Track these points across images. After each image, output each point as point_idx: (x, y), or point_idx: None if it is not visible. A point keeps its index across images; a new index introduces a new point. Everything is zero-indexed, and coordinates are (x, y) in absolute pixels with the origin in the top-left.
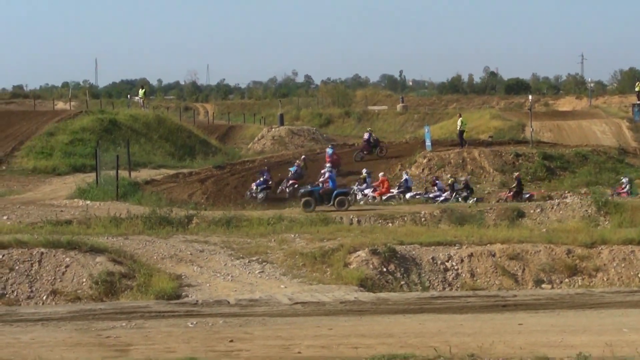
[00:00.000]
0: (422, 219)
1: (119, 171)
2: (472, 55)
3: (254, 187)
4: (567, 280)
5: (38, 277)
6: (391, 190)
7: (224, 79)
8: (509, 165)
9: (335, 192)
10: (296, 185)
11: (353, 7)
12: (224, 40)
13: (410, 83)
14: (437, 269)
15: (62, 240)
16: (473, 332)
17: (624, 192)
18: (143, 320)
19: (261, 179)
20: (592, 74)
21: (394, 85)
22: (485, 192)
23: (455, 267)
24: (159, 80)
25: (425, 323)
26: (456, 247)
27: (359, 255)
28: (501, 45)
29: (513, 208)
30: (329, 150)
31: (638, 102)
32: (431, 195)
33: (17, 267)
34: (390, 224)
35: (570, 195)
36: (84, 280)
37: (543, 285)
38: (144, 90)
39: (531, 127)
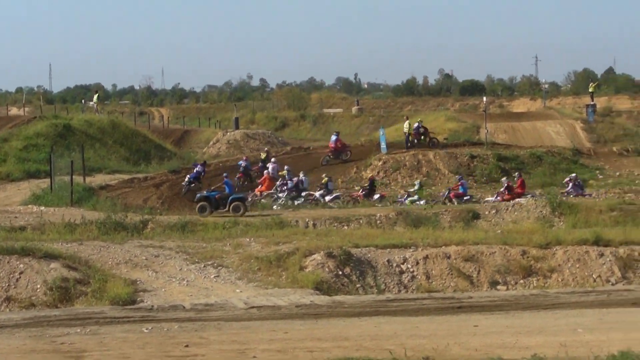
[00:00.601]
0: (378, 222)
1: (74, 177)
2: (427, 58)
3: (186, 179)
4: (522, 281)
5: None
6: (276, 189)
7: (179, 83)
8: (464, 167)
9: (230, 197)
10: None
11: (308, 11)
12: (179, 44)
13: (366, 86)
14: (393, 272)
15: (16, 247)
16: (428, 334)
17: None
18: (98, 326)
19: (194, 171)
20: (546, 75)
21: (349, 88)
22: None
23: (411, 270)
24: (114, 85)
25: (381, 326)
26: (411, 250)
27: (314, 259)
28: (456, 47)
29: (468, 210)
30: (333, 137)
31: (592, 103)
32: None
33: None
34: (345, 227)
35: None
36: (39, 286)
37: (498, 287)
38: (98, 95)
39: (486, 128)
